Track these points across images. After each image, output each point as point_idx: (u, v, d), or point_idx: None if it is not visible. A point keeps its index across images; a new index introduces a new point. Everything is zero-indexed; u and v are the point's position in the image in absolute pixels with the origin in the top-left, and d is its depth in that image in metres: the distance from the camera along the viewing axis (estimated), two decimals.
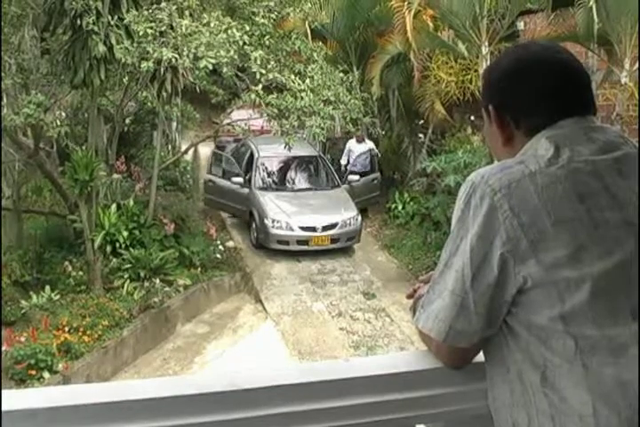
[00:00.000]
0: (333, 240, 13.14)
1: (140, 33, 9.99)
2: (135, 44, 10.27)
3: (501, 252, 1.36)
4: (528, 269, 1.35)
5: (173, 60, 10.05)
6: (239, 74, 11.69)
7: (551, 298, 1.34)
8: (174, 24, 10.25)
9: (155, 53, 9.98)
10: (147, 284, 10.54)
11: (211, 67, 10.38)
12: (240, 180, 14.17)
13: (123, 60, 10.18)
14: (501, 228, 1.36)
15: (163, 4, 10.28)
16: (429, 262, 11.83)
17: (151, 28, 10.01)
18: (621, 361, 1.32)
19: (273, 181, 14.62)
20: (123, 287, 10.59)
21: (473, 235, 1.38)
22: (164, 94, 11.46)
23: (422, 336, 1.54)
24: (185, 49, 10.11)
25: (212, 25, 10.37)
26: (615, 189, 1.39)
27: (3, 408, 1.27)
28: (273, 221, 13.14)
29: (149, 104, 13.82)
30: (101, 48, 9.99)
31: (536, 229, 1.34)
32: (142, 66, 10.09)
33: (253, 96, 11.12)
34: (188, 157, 15.86)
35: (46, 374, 8.52)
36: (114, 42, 10.14)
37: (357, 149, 15.19)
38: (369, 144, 15.19)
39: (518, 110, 1.51)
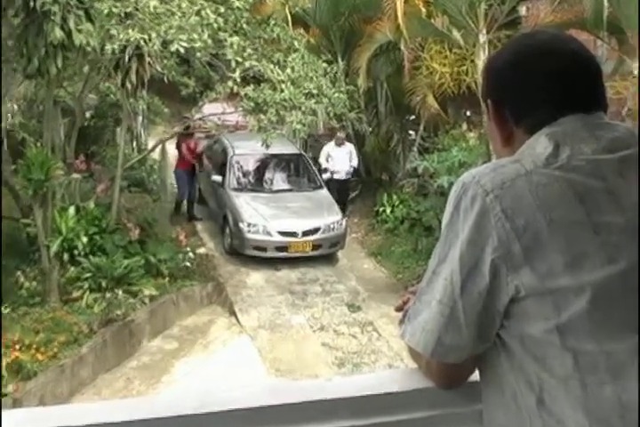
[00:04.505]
0: (315, 246, 13.14)
1: (105, 12, 9.91)
2: (97, 28, 10.19)
3: (493, 258, 1.35)
4: (521, 278, 1.34)
5: (141, 41, 9.96)
6: (212, 62, 11.66)
7: (546, 308, 1.34)
8: (141, 4, 10.19)
9: (120, 36, 9.89)
10: (109, 295, 10.47)
11: (182, 50, 10.32)
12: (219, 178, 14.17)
13: (83, 44, 10.07)
14: (493, 232, 1.35)
15: None
16: (420, 271, 11.85)
17: (116, 6, 9.93)
18: (620, 381, 1.31)
19: (249, 181, 14.60)
20: (82, 299, 10.52)
21: (463, 240, 1.38)
22: (129, 85, 11.40)
23: (411, 352, 1.53)
24: (153, 32, 10.05)
25: (183, 6, 10.33)
26: (618, 192, 1.39)
27: None
28: (249, 225, 13.11)
29: (112, 96, 13.78)
30: (58, 33, 9.89)
31: (531, 234, 1.34)
32: (106, 48, 10.01)
33: (230, 84, 11.03)
34: (156, 155, 15.82)
35: None
36: (72, 25, 10.05)
37: (336, 154, 14.96)
38: (349, 147, 15.07)
39: (519, 106, 1.50)
